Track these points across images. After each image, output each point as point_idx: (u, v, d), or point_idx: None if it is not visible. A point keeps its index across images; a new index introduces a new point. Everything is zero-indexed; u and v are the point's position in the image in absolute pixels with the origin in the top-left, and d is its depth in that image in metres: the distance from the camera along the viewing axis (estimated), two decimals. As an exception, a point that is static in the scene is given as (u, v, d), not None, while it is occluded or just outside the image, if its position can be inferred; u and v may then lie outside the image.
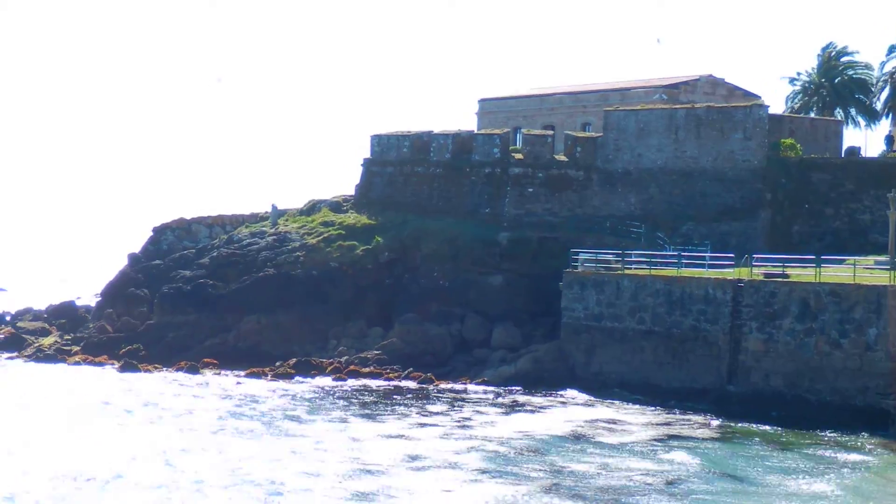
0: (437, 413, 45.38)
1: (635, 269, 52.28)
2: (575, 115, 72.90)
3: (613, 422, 43.81)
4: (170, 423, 43.07)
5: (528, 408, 47.01)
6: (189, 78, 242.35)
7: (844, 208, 59.10)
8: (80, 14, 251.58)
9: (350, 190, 71.22)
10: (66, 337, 64.79)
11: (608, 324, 51.13)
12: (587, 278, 52.55)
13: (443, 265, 60.95)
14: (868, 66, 77.25)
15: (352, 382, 52.79)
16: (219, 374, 55.40)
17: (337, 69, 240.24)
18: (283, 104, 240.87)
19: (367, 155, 70.38)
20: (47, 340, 64.63)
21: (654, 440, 40.45)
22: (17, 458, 36.57)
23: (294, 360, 55.97)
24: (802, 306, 44.88)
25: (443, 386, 51.97)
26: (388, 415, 44.91)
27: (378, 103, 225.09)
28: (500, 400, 48.76)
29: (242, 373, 54.86)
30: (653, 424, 43.33)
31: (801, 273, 47.25)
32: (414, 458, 36.95)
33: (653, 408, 46.47)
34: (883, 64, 75.40)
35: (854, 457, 38.09)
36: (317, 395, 49.33)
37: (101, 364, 57.98)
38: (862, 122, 77.30)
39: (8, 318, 72.96)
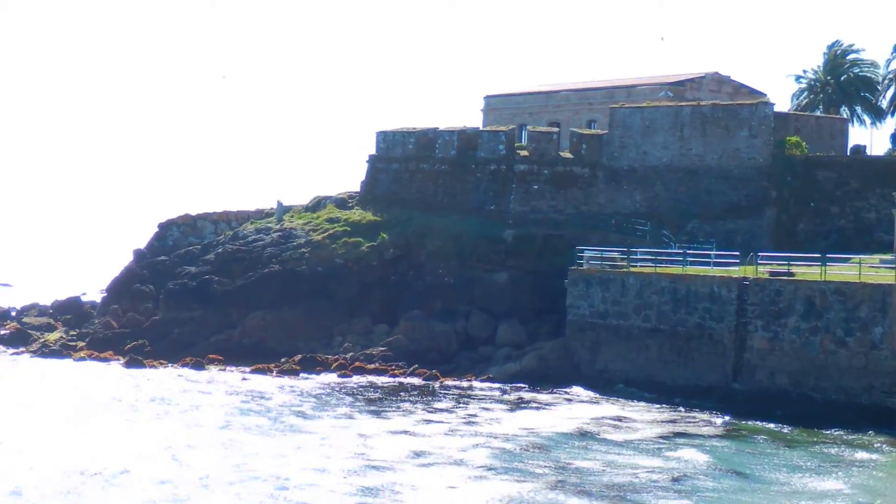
0: (442, 410, 45.41)
1: (640, 266, 52.23)
2: (580, 112, 73.07)
3: (619, 419, 43.80)
4: (176, 418, 43.14)
5: (534, 405, 47.02)
6: (194, 75, 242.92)
7: (850, 207, 59.08)
8: (87, 13, 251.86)
9: (355, 186, 71.44)
10: (72, 332, 64.87)
11: (613, 321, 51.13)
12: (592, 276, 52.55)
13: (448, 262, 61.05)
14: (874, 65, 77.42)
15: (357, 379, 52.82)
16: (224, 370, 55.45)
17: (342, 66, 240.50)
18: (289, 101, 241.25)
19: (373, 151, 70.55)
20: (53, 336, 64.74)
21: (660, 437, 40.45)
22: (23, 453, 36.61)
23: (299, 356, 55.97)
24: (808, 305, 44.85)
25: (448, 383, 51.98)
26: (394, 411, 44.94)
27: (383, 100, 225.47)
28: (505, 397, 48.77)
29: (248, 369, 54.91)
30: (658, 422, 43.32)
31: (807, 271, 47.21)
32: (419, 454, 36.97)
33: (658, 405, 46.48)
34: (888, 62, 75.60)
35: (862, 455, 38.01)
36: (322, 392, 49.38)
37: (106, 360, 58.05)
38: (868, 120, 77.59)
39: (13, 314, 73.28)
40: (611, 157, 63.90)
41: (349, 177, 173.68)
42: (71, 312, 70.21)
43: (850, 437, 40.73)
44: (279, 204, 71.70)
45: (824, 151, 62.87)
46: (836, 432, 41.23)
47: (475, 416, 44.17)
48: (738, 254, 51.25)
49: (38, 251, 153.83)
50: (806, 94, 79.48)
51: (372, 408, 45.65)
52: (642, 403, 46.97)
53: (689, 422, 43.47)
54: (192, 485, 32.70)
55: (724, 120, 61.45)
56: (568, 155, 65.00)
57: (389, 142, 69.63)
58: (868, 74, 77.52)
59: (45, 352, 60.86)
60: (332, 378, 53.10)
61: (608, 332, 51.27)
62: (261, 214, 73.07)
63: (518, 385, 51.13)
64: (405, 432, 40.60)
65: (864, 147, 65.81)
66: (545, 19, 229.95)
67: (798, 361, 44.91)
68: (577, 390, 49.91)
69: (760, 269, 48.12)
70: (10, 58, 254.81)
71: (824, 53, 78.77)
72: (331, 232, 64.37)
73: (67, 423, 42.01)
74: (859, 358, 43.47)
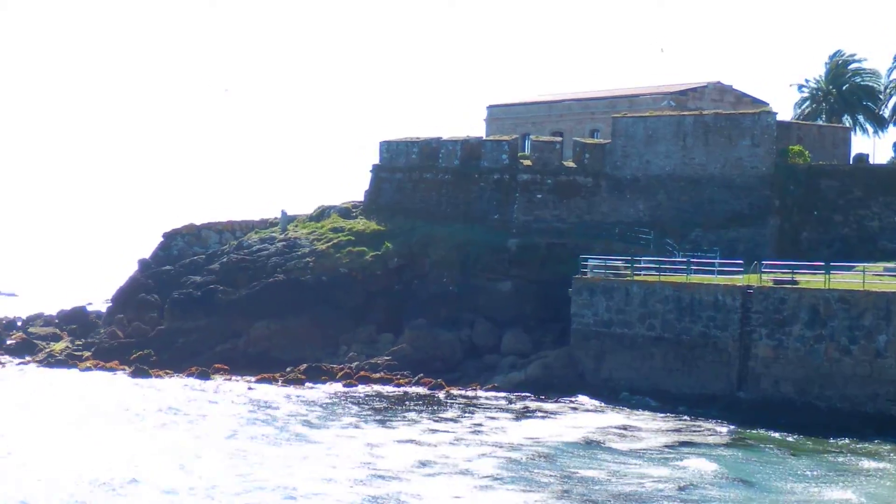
0: (447, 419, 45.46)
1: (644, 275, 52.37)
2: (583, 121, 73.12)
3: (624, 428, 43.86)
4: (182, 428, 43.24)
5: (539, 414, 47.10)
6: (199, 88, 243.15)
7: (853, 215, 59.21)
8: (95, 24, 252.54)
9: (359, 196, 71.51)
10: (77, 342, 65.04)
11: (618, 330, 51.27)
12: (596, 284, 52.69)
13: (452, 271, 61.18)
14: (876, 74, 77.57)
15: (362, 388, 52.92)
16: (229, 379, 55.54)
17: (345, 76, 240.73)
18: (292, 111, 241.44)
19: (376, 161, 70.58)
20: (58, 346, 64.90)
21: (666, 446, 40.50)
22: (31, 462, 36.77)
23: (304, 365, 56.06)
24: (812, 313, 45.00)
25: (453, 391, 52.05)
26: (399, 420, 45.00)
27: (387, 110, 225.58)
28: (510, 406, 48.82)
29: (253, 378, 54.97)
30: (663, 431, 43.38)
31: (811, 280, 47.36)
32: (425, 463, 37.02)
33: (663, 414, 46.56)
34: (890, 71, 75.79)
35: (871, 464, 38.02)
36: (328, 401, 49.46)
37: (112, 370, 58.17)
38: (870, 129, 77.64)
39: (19, 324, 73.35)
40: (614, 166, 64.02)
41: (353, 186, 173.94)
42: (76, 322, 70.37)
43: (856, 445, 40.83)
44: (283, 213, 71.81)
45: (827, 160, 63.04)
46: (842, 441, 41.33)
47: (480, 425, 44.24)
48: (741, 262, 51.28)
49: (44, 261, 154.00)
50: (808, 103, 79.57)
51: (377, 417, 45.72)
52: (647, 412, 47.04)
53: (695, 430, 43.53)
54: (200, 494, 32.83)
55: (727, 129, 61.57)
56: (571, 164, 65.10)
57: (393, 151, 69.68)
58: (870, 84, 77.63)
59: (51, 361, 60.96)
60: (337, 387, 53.17)
61: (612, 341, 51.39)
62: (265, 224, 73.14)
63: (523, 394, 51.20)
64: (411, 441, 40.68)
65: (867, 156, 65.97)
66: (548, 29, 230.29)
67: (802, 370, 45.05)
68: (582, 399, 49.99)
69: (764, 277, 48.24)
70: (15, 67, 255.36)
71: (826, 63, 78.88)
72: (335, 241, 64.41)
73: (74, 432, 42.10)
74: (864, 366, 43.60)
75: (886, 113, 76.38)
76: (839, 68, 78.13)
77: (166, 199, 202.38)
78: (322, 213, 70.57)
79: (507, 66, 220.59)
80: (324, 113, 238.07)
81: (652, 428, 43.90)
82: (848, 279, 46.71)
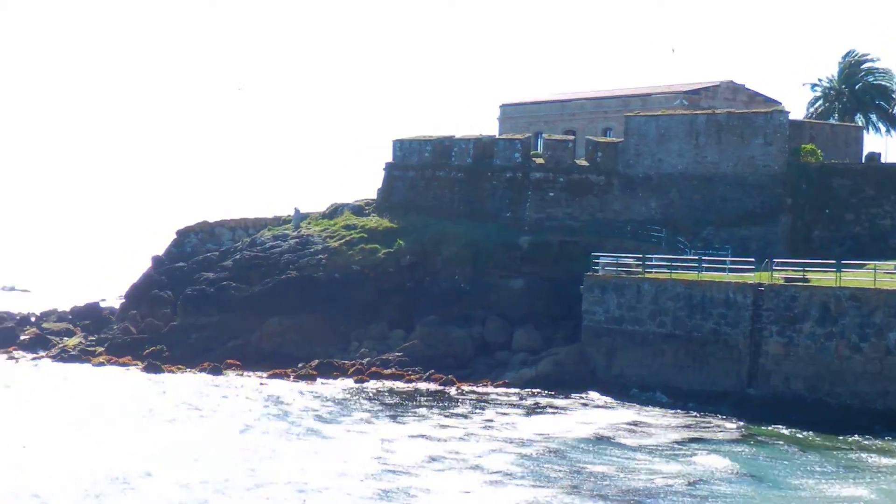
0: (458, 415, 45.70)
1: (656, 272, 52.52)
2: (596, 120, 73.34)
3: (634, 424, 44.04)
4: (196, 422, 43.58)
5: (550, 410, 47.29)
6: (213, 86, 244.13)
7: (865, 213, 59.29)
8: (110, 25, 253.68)
9: (372, 194, 71.80)
10: (91, 338, 65.26)
11: (629, 327, 51.46)
12: (608, 282, 52.89)
13: (464, 268, 61.37)
14: (888, 73, 77.65)
15: (374, 384, 53.15)
16: (241, 374, 55.76)
17: (359, 75, 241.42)
18: (305, 109, 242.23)
19: (389, 159, 70.88)
20: (72, 341, 65.13)
21: (676, 442, 40.68)
22: (45, 456, 37.09)
23: (316, 361, 56.24)
24: (823, 310, 45.14)
25: (464, 388, 52.23)
26: (410, 416, 45.25)
27: (400, 108, 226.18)
28: (521, 402, 49.02)
29: (265, 374, 55.18)
30: (674, 427, 43.57)
31: (822, 277, 47.52)
32: (435, 458, 37.28)
33: (673, 410, 46.72)
34: (902, 70, 75.72)
35: (884, 460, 38.11)
36: (339, 397, 49.73)
37: (125, 365, 58.41)
38: (882, 128, 77.72)
39: (33, 319, 73.66)
40: (626, 164, 64.21)
41: (366, 184, 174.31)
42: (90, 318, 70.64)
43: (866, 442, 40.94)
44: (296, 211, 72.10)
45: (839, 159, 63.08)
46: (851, 437, 41.40)
47: (491, 420, 44.45)
48: (753, 260, 51.43)
49: (58, 257, 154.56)
50: (821, 102, 79.69)
51: (389, 412, 45.98)
52: (657, 408, 47.22)
53: (705, 427, 43.69)
54: (214, 488, 33.11)
55: (740, 128, 61.70)
56: (583, 162, 65.30)
57: (406, 150, 69.95)
58: (883, 83, 77.73)
59: (65, 357, 61.25)
60: (348, 383, 53.43)
61: (623, 338, 51.58)
62: (278, 221, 73.45)
63: (534, 390, 51.40)
64: (422, 437, 40.93)
65: (879, 154, 65.84)
66: (561, 29, 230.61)
67: (813, 367, 45.19)
68: (593, 395, 50.20)
69: (775, 275, 48.38)
70: (29, 65, 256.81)
71: (839, 62, 79.05)
72: (347, 239, 64.62)
73: (88, 426, 42.47)
74: (874, 363, 43.73)
75: (898, 112, 76.50)
76: (852, 68, 78.21)
77: (180, 197, 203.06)
78: (335, 211, 70.85)
79: (520, 65, 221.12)
80: (337, 111, 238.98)
81: (662, 424, 44.07)
82: (859, 277, 46.85)
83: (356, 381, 53.65)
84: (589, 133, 70.44)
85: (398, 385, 52.90)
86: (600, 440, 40.93)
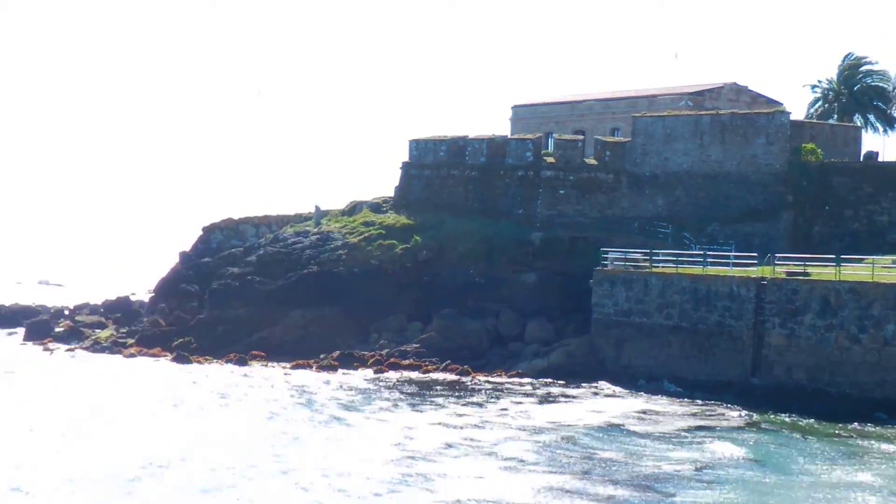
0: (474, 403, 46.31)
1: (662, 267, 53.35)
2: (604, 120, 73.98)
3: (643, 412, 44.51)
4: (224, 410, 44.47)
5: (562, 399, 47.85)
6: (238, 90, 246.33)
7: (863, 210, 59.84)
8: (139, 29, 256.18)
9: (389, 192, 72.49)
10: (122, 330, 66.36)
11: (637, 319, 52.46)
12: (616, 276, 53.82)
13: (478, 263, 62.21)
14: (886, 75, 77.88)
15: (392, 374, 53.95)
16: (266, 365, 56.54)
17: (376, 78, 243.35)
18: (326, 111, 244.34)
19: (406, 159, 71.78)
20: (104, 333, 66.29)
21: (683, 430, 41.10)
22: (85, 443, 38.01)
23: (337, 352, 57.13)
24: (823, 303, 46.07)
25: (479, 378, 52.82)
26: (428, 405, 45.82)
27: (416, 110, 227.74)
28: (534, 391, 49.57)
29: (289, 365, 55.99)
30: (681, 415, 44.06)
31: (822, 272, 48.16)
32: (452, 445, 37.82)
33: (680, 399, 47.30)
34: (899, 72, 76.63)
35: (883, 446, 38.39)
36: (360, 386, 50.48)
37: (154, 356, 59.48)
38: (880, 127, 78.02)
39: (67, 312, 74.98)
40: (633, 163, 65.14)
41: (383, 183, 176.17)
42: (121, 311, 71.90)
43: (866, 428, 41.59)
44: (317, 208, 72.71)
45: (838, 158, 63.69)
46: (852, 425, 41.98)
47: (506, 409, 45.09)
48: (755, 255, 52.29)
49: (90, 253, 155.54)
50: (821, 103, 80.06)
51: (408, 401, 46.64)
52: (665, 397, 47.87)
53: (710, 415, 44.21)
54: (241, 473, 33.86)
55: (743, 128, 62.49)
56: (592, 161, 66.15)
57: (422, 149, 70.74)
58: (881, 84, 78.02)
59: (97, 348, 62.47)
60: (368, 373, 54.21)
61: (632, 330, 52.57)
62: (300, 218, 74.11)
63: (546, 380, 52.07)
64: (439, 424, 41.54)
65: (877, 153, 66.18)
66: (570, 33, 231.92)
67: (814, 357, 46.13)
68: (603, 385, 50.86)
69: (777, 269, 49.21)
70: (65, 64, 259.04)
71: (839, 65, 79.41)
72: (366, 235, 65.39)
73: (124, 414, 43.44)
74: (872, 354, 44.66)
75: (895, 112, 77.42)
76: (851, 70, 78.51)
77: (206, 195, 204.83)
78: (354, 208, 71.60)
79: (532, 67, 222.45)
80: (355, 113, 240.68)
81: (670, 412, 44.63)
82: (858, 271, 47.52)
83: (376, 372, 54.50)
84: (598, 133, 71.09)
85: (416, 375, 53.63)
86: (611, 428, 41.38)
